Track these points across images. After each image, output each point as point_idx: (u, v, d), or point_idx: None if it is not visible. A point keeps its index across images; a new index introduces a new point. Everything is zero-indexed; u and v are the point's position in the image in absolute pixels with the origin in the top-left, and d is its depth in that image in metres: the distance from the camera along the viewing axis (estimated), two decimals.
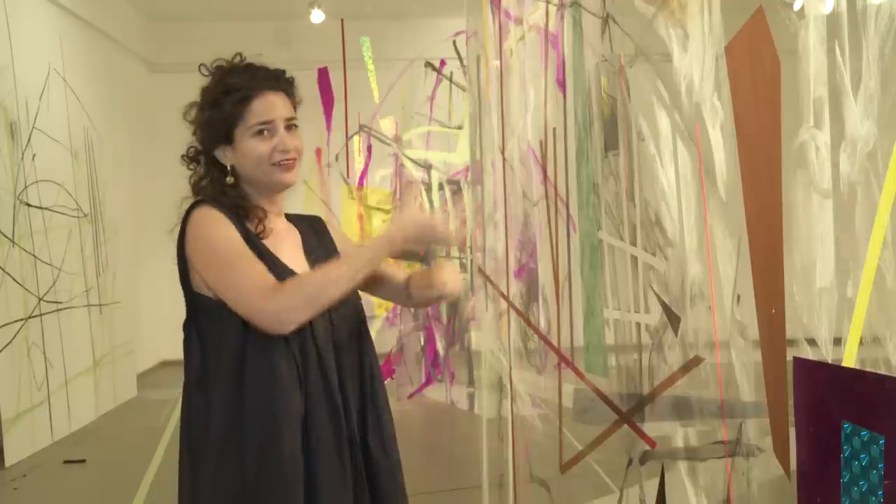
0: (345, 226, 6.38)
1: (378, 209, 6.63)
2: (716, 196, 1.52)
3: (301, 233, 1.74)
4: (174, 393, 6.60)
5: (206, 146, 1.66)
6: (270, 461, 1.53)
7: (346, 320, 1.67)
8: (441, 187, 6.45)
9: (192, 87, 1.68)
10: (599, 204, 2.10)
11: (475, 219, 3.72)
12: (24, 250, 5.34)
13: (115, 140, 7.29)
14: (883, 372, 1.08)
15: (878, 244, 1.10)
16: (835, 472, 1.02)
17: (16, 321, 5.15)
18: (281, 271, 1.58)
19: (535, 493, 2.73)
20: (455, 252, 5.50)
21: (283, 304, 1.51)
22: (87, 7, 6.77)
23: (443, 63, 6.68)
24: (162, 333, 7.97)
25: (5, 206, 5.14)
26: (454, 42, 6.12)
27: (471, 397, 6.20)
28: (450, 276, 1.75)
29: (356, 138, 6.78)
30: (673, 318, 1.75)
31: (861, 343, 1.11)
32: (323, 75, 6.67)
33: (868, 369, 1.04)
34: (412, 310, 6.64)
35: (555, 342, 2.58)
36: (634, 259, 1.95)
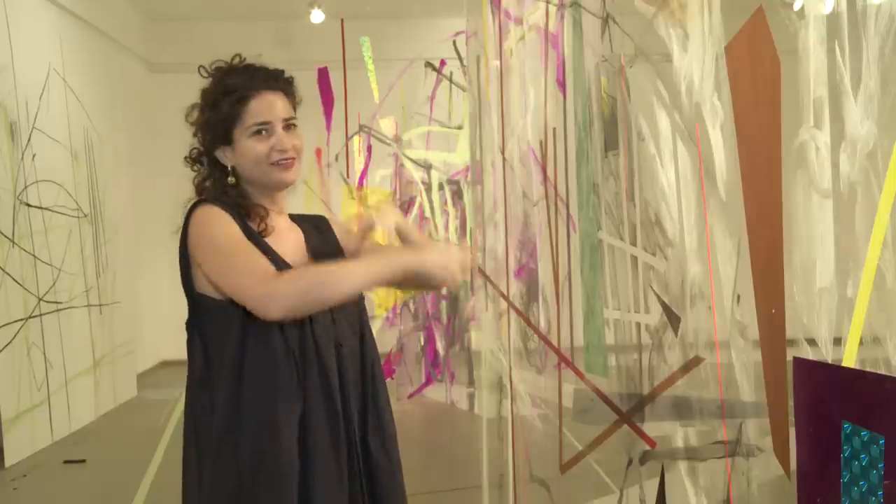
0: None
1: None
2: (716, 196, 1.52)
3: (304, 231, 1.74)
4: (174, 393, 6.64)
5: (206, 147, 1.67)
6: (267, 461, 1.54)
7: (348, 320, 1.67)
8: (441, 187, 6.45)
9: (192, 87, 1.68)
10: (599, 204, 2.10)
11: (475, 219, 3.72)
12: (24, 250, 5.34)
13: (115, 140, 7.29)
14: (883, 372, 1.08)
15: (878, 244, 1.10)
16: (835, 472, 1.02)
17: (16, 321, 5.15)
18: (282, 267, 1.58)
19: (535, 493, 2.73)
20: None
21: (278, 289, 1.50)
22: (87, 7, 6.77)
23: (443, 63, 6.68)
24: (162, 333, 7.97)
25: (5, 206, 5.14)
26: (454, 42, 6.12)
27: (471, 397, 6.20)
28: (464, 262, 1.68)
29: (356, 138, 6.78)
30: (673, 318, 1.75)
31: (861, 343, 1.11)
32: (323, 75, 6.67)
33: (868, 369, 1.04)
34: (412, 310, 6.64)
35: (555, 342, 2.58)
36: (634, 259, 1.95)
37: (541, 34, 2.60)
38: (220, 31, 7.74)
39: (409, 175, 6.56)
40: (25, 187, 5.43)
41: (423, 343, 6.67)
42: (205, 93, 1.66)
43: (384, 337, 6.46)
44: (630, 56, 1.91)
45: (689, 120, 1.61)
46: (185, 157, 1.70)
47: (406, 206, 6.51)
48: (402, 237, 1.74)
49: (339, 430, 1.60)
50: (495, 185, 3.16)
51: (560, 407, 2.51)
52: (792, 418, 1.15)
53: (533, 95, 2.71)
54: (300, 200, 6.49)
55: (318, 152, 6.93)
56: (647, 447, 1.88)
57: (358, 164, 6.79)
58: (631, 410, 1.94)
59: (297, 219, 1.79)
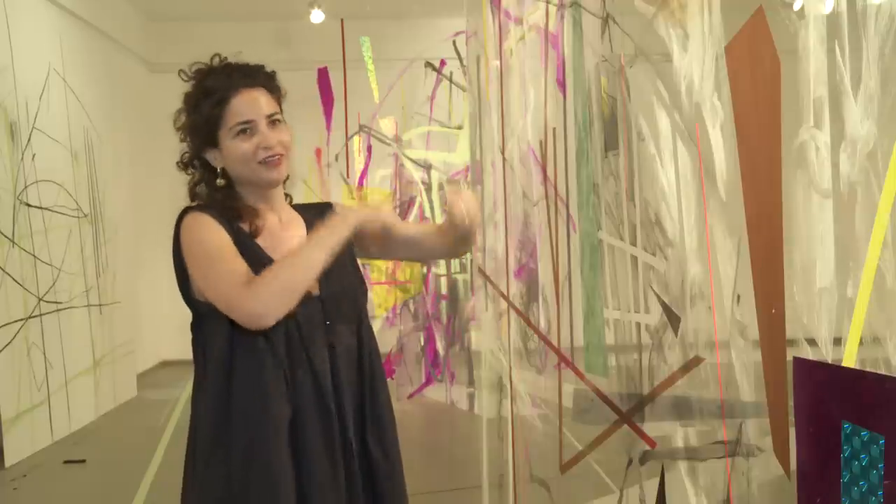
0: None
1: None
2: (716, 196, 1.52)
3: (307, 222, 1.73)
4: (174, 393, 6.65)
5: (195, 151, 1.66)
6: (257, 468, 1.54)
7: (344, 315, 1.66)
8: (441, 187, 6.45)
9: (184, 91, 1.67)
10: (599, 204, 2.10)
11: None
12: (24, 250, 5.34)
13: (115, 140, 7.29)
14: (883, 372, 1.08)
15: (878, 244, 1.10)
16: (835, 472, 1.02)
17: (16, 321, 5.15)
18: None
19: (535, 493, 2.73)
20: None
21: (257, 297, 1.50)
22: (87, 7, 6.77)
23: (443, 63, 6.68)
24: (162, 333, 7.98)
25: (5, 206, 5.14)
26: (454, 42, 6.12)
27: (471, 397, 6.20)
28: (469, 204, 1.66)
29: (356, 138, 6.78)
30: (673, 318, 1.75)
31: (861, 343, 1.11)
32: (323, 75, 6.67)
33: (868, 369, 1.04)
34: (412, 309, 6.64)
35: (555, 342, 2.58)
36: (634, 259, 1.95)
37: (541, 34, 2.60)
38: (220, 31, 7.73)
39: (409, 175, 6.56)
40: (25, 187, 5.43)
41: (423, 343, 6.67)
42: (187, 97, 1.64)
43: (384, 337, 6.46)
44: (630, 56, 1.91)
45: (689, 120, 1.61)
46: (177, 163, 1.69)
47: (406, 206, 6.51)
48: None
49: (333, 431, 1.59)
50: (495, 185, 3.16)
51: (560, 407, 2.51)
52: (792, 418, 1.14)
53: (533, 95, 2.71)
54: (299, 200, 6.48)
55: (318, 152, 6.94)
56: (647, 447, 1.88)
57: (358, 164, 6.80)
58: (631, 410, 1.94)
59: (302, 209, 1.78)
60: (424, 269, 6.55)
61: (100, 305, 6.65)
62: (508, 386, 2.96)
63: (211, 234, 1.57)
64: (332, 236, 1.57)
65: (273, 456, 1.54)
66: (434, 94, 6.73)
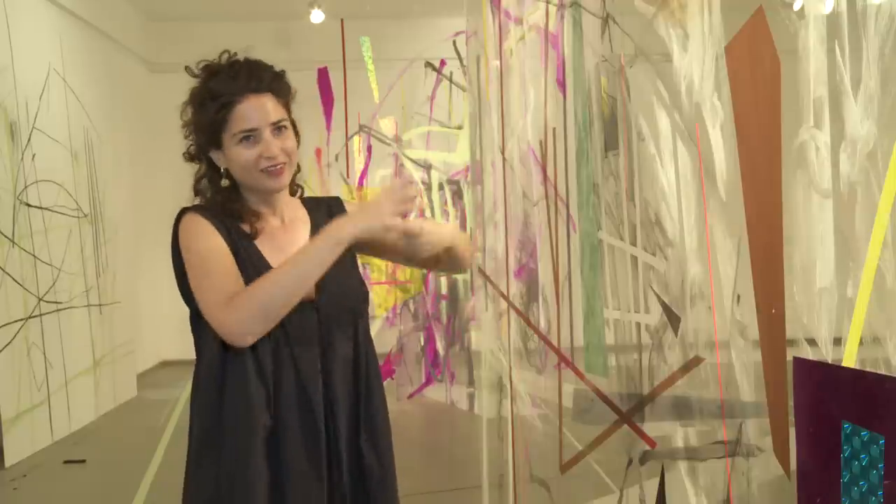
0: None
1: None
2: (716, 196, 1.52)
3: (313, 220, 1.71)
4: (174, 393, 6.65)
5: (200, 147, 1.64)
6: (238, 472, 1.53)
7: (340, 321, 1.63)
8: (441, 187, 6.45)
9: (192, 86, 1.66)
10: (599, 204, 2.10)
11: (475, 219, 3.72)
12: (24, 250, 5.34)
13: (115, 140, 7.28)
14: (883, 372, 1.08)
15: (878, 244, 1.10)
16: (835, 472, 1.02)
17: (16, 321, 5.15)
18: (262, 273, 1.56)
19: (535, 493, 2.73)
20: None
21: (235, 317, 1.49)
22: (87, 7, 6.77)
23: (443, 63, 6.68)
24: (162, 333, 7.98)
25: (5, 206, 5.14)
26: (454, 42, 6.11)
27: (471, 397, 6.20)
28: (435, 235, 1.61)
29: (356, 138, 6.78)
30: (673, 318, 1.75)
31: (861, 343, 1.11)
32: (323, 75, 6.67)
33: (868, 369, 1.04)
34: (412, 309, 6.64)
35: (555, 342, 2.58)
36: (634, 259, 1.95)
37: (541, 34, 2.60)
38: (220, 31, 7.72)
39: (409, 175, 6.56)
40: (25, 187, 5.43)
41: (423, 343, 6.67)
42: (193, 93, 1.61)
43: (384, 337, 6.46)
44: (630, 56, 1.91)
45: (689, 120, 1.61)
46: (184, 154, 1.67)
47: None
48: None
49: (319, 442, 1.57)
50: (495, 185, 3.16)
51: (560, 407, 2.51)
52: (792, 418, 1.14)
53: (533, 95, 2.71)
54: None
55: (318, 152, 6.94)
56: (647, 447, 1.88)
57: (358, 164, 6.80)
58: (631, 410, 1.94)
59: (310, 204, 1.75)
60: (424, 269, 6.55)
61: (100, 305, 6.65)
62: (508, 386, 2.96)
63: (206, 242, 1.55)
64: (322, 256, 1.53)
65: (250, 465, 1.53)
66: (434, 94, 6.73)
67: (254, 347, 1.54)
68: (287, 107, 1.64)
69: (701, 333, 1.66)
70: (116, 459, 5.25)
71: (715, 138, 1.51)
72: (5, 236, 5.11)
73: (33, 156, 5.57)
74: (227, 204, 1.62)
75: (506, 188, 2.99)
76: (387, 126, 6.68)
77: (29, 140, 5.54)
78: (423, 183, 6.47)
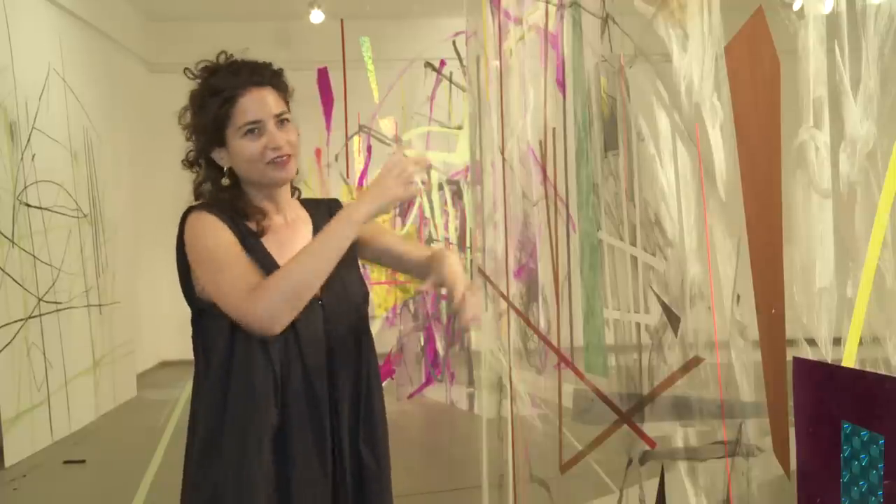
0: None
1: None
2: (716, 196, 1.52)
3: (315, 220, 1.72)
4: (174, 393, 6.65)
5: (200, 149, 1.65)
6: (242, 470, 1.53)
7: (344, 320, 1.65)
8: (441, 187, 6.45)
9: (192, 87, 1.66)
10: (599, 204, 2.10)
11: (475, 219, 3.72)
12: (24, 250, 5.34)
13: (115, 140, 7.29)
14: (883, 372, 1.08)
15: (878, 244, 1.10)
16: (835, 472, 1.02)
17: (16, 321, 5.15)
18: (272, 271, 1.56)
19: (535, 493, 2.73)
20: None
21: (263, 304, 1.49)
22: (87, 7, 6.77)
23: (443, 63, 6.68)
24: (162, 333, 7.98)
25: (5, 206, 5.14)
26: (454, 42, 6.12)
27: (471, 397, 6.20)
28: (473, 308, 1.61)
29: (356, 138, 6.79)
30: (673, 318, 1.75)
31: (861, 343, 1.11)
32: (323, 75, 6.67)
33: (868, 369, 1.04)
34: (412, 309, 6.64)
35: (555, 342, 2.58)
36: (634, 259, 1.95)
37: (540, 34, 2.60)
38: (220, 31, 7.73)
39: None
40: (25, 187, 5.43)
41: (423, 343, 6.67)
42: (193, 95, 1.62)
43: (384, 337, 6.46)
44: (630, 56, 1.91)
45: (688, 120, 1.61)
46: (182, 161, 1.68)
47: (406, 207, 6.51)
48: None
49: (325, 438, 1.58)
50: (495, 185, 3.16)
51: (560, 407, 2.51)
52: (792, 418, 1.15)
53: (533, 95, 2.71)
54: None
55: (318, 152, 6.94)
56: (647, 447, 1.88)
57: (358, 164, 6.80)
58: (631, 410, 1.94)
59: (310, 205, 1.77)
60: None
61: (99, 305, 6.65)
62: (508, 386, 2.96)
63: (217, 238, 1.56)
64: (341, 239, 1.55)
65: (255, 463, 1.53)
66: (434, 95, 6.73)
67: (264, 344, 1.54)
68: (287, 102, 1.66)
69: (701, 333, 1.66)
70: (116, 459, 5.25)
71: (714, 138, 1.51)
72: (5, 236, 5.11)
73: (33, 156, 5.57)
74: (232, 202, 1.63)
75: (505, 188, 2.99)
76: (387, 126, 6.68)
77: (29, 140, 5.54)
78: (423, 183, 6.46)
